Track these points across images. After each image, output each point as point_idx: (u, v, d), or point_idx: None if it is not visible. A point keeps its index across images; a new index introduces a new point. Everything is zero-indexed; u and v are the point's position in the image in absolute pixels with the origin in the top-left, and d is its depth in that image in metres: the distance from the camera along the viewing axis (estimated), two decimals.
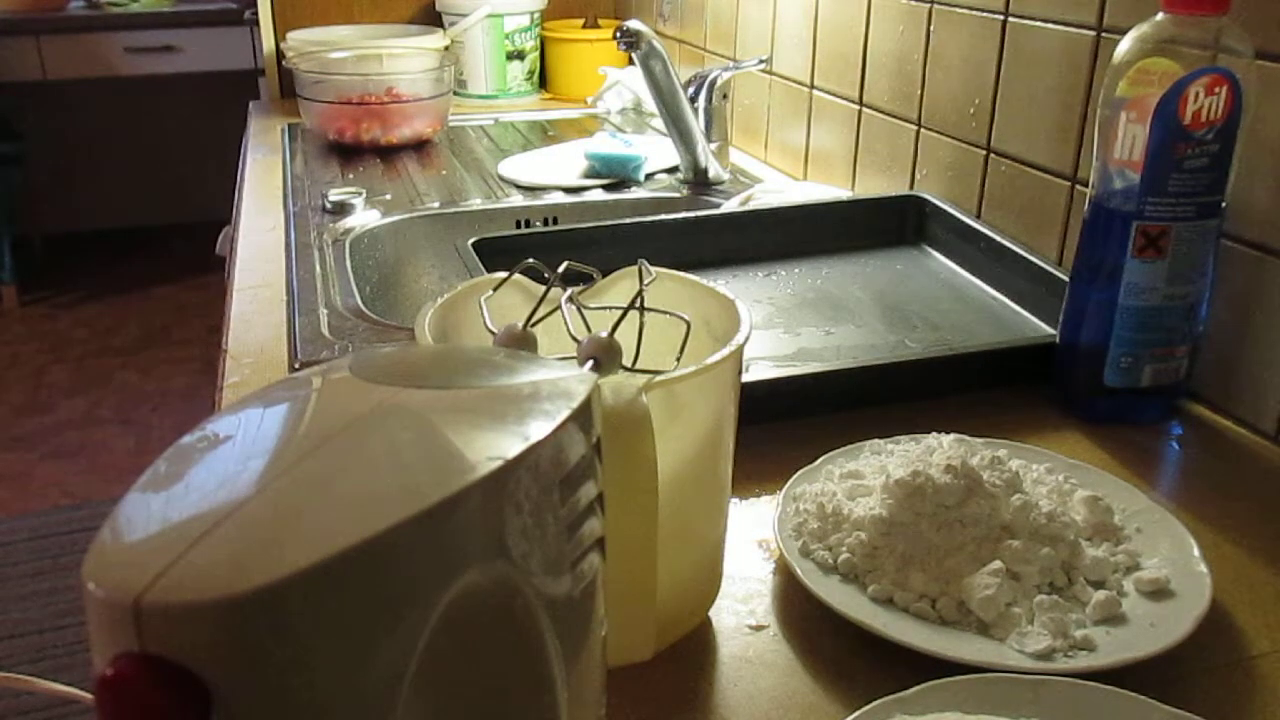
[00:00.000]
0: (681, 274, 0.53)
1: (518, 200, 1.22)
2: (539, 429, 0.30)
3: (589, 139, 1.40)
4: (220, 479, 0.26)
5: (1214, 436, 0.71)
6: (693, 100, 1.23)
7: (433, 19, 1.82)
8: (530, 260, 0.50)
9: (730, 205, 1.12)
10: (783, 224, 1.04)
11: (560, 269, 0.48)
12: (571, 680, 0.34)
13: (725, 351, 0.45)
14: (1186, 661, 0.49)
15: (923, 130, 1.06)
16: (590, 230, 0.98)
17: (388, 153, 1.44)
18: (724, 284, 0.52)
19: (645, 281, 0.47)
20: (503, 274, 0.50)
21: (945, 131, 1.02)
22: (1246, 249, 0.70)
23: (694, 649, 0.51)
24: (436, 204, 1.20)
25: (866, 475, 0.59)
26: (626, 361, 0.42)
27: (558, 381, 0.34)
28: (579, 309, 0.48)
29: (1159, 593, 0.52)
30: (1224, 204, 0.66)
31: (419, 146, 1.48)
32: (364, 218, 1.14)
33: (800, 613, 0.53)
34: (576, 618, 0.34)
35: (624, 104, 1.66)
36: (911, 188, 1.08)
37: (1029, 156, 0.91)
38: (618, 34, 1.12)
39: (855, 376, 0.73)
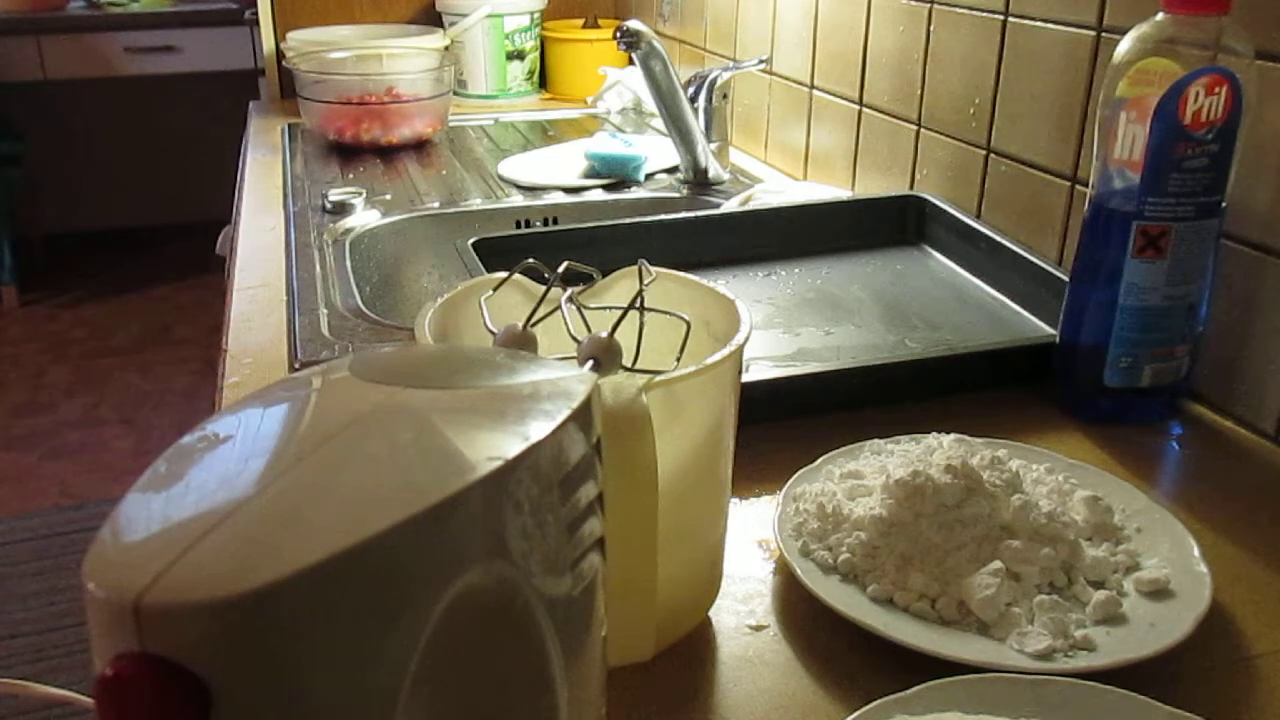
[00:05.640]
0: (681, 274, 0.53)
1: (518, 200, 1.22)
2: (539, 429, 0.30)
3: (589, 139, 1.40)
4: (220, 479, 0.26)
5: (1214, 436, 0.71)
6: (693, 100, 1.23)
7: (433, 19, 1.82)
8: (530, 260, 0.50)
9: (730, 205, 1.12)
10: (783, 224, 1.04)
11: (560, 269, 0.48)
12: (571, 680, 0.34)
13: (725, 351, 0.45)
14: (1186, 661, 0.49)
15: (923, 130, 1.06)
16: (590, 230, 0.98)
17: (388, 153, 1.44)
18: (724, 284, 0.52)
19: (645, 281, 0.47)
20: (503, 274, 0.50)
21: (945, 131, 1.02)
22: (1246, 249, 0.70)
23: (694, 649, 0.51)
24: (436, 204, 1.20)
25: (866, 475, 0.59)
26: (626, 361, 0.42)
27: (558, 381, 0.34)
28: (579, 309, 0.48)
29: (1159, 593, 0.52)
30: (1224, 204, 0.66)
31: (419, 146, 1.48)
32: (364, 218, 1.14)
33: (800, 613, 0.53)
34: (576, 618, 0.34)
35: (624, 104, 1.66)
36: (911, 188, 1.08)
37: (1029, 156, 0.91)
38: (618, 34, 1.12)
39: (855, 376, 0.73)
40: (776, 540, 0.55)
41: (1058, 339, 0.74)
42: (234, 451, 0.28)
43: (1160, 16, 0.64)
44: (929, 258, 1.01)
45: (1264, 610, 0.53)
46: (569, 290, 0.48)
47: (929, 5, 1.02)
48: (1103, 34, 0.81)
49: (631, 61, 1.35)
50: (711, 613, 0.53)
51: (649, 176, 1.28)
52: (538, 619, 0.31)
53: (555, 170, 1.30)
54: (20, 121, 3.43)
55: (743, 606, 0.54)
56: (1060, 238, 0.88)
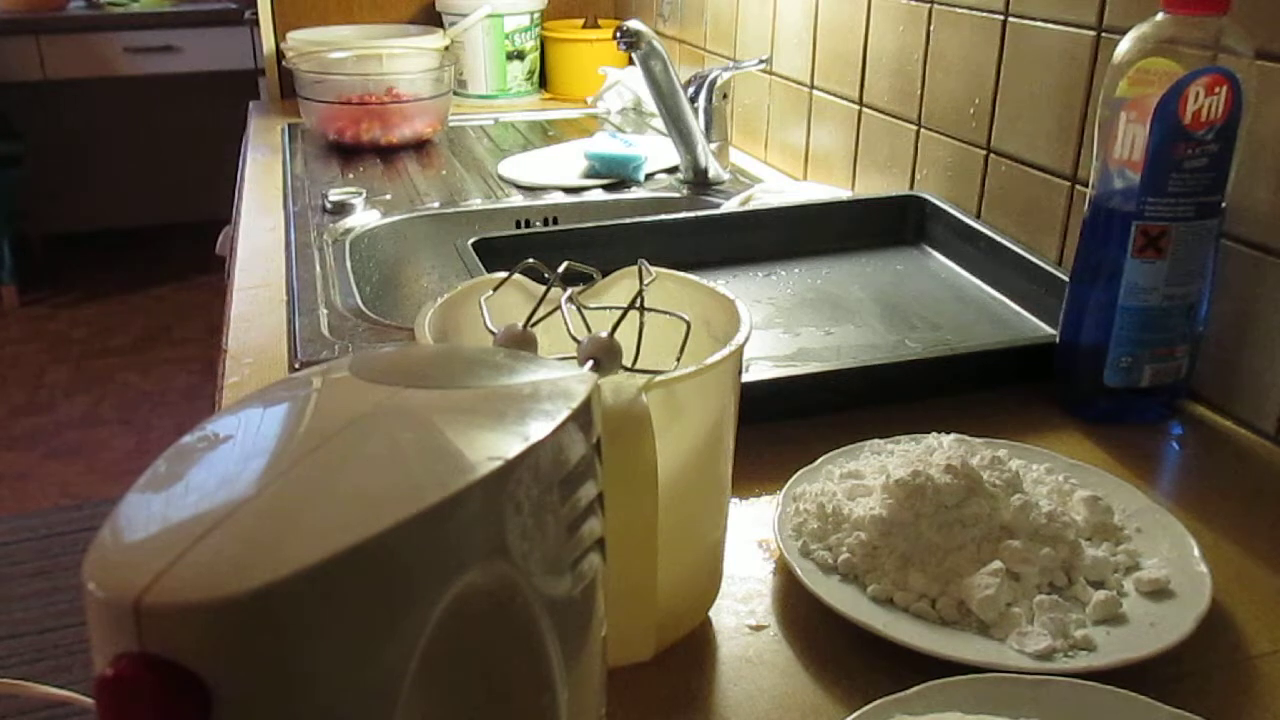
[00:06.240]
0: (681, 274, 0.53)
1: (518, 200, 1.22)
2: (539, 429, 0.30)
3: (589, 139, 1.40)
4: (220, 479, 0.26)
5: (1214, 436, 0.71)
6: (693, 100, 1.23)
7: (433, 19, 1.82)
8: (530, 260, 0.50)
9: (730, 205, 1.12)
10: (783, 224, 1.04)
11: (560, 269, 0.48)
12: (571, 680, 0.34)
13: (725, 351, 0.45)
14: (1186, 661, 0.49)
15: (923, 130, 1.06)
16: (590, 230, 0.98)
17: (388, 153, 1.44)
18: (724, 284, 0.52)
19: (645, 281, 0.47)
20: (503, 274, 0.50)
21: (945, 131, 1.02)
22: (1246, 249, 0.70)
23: (694, 649, 0.51)
24: (436, 204, 1.20)
25: (866, 475, 0.59)
26: (626, 361, 0.42)
27: (558, 381, 0.34)
28: (579, 309, 0.48)
29: (1159, 593, 0.52)
30: (1224, 204, 0.66)
31: (419, 146, 1.48)
32: (364, 218, 1.14)
33: (800, 613, 0.53)
34: (576, 618, 0.34)
35: (624, 104, 1.66)
36: (911, 188, 1.08)
37: (1029, 156, 0.91)
38: (618, 34, 1.12)
39: (855, 376, 0.73)
40: (776, 540, 0.55)
41: (1058, 339, 0.74)
42: (234, 451, 0.28)
43: (1160, 16, 0.64)
44: (929, 258, 1.01)
45: (1264, 610, 0.53)
46: (569, 290, 0.48)
47: (929, 5, 1.02)
48: (1103, 34, 0.81)
49: (631, 61, 1.35)
50: (711, 613, 0.53)
51: (649, 176, 1.28)
52: (538, 619, 0.31)
53: (555, 170, 1.30)
54: (20, 121, 3.43)
55: (743, 606, 0.54)
56: (1060, 238, 0.88)
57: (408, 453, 0.28)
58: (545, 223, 1.20)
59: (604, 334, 0.42)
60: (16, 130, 3.39)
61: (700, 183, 1.25)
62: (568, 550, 0.33)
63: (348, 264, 1.01)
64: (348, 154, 1.43)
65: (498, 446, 0.29)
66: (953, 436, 0.61)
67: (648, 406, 0.40)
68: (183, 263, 3.69)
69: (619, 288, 0.53)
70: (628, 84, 1.64)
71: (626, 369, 0.42)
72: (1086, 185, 0.71)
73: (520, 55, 1.79)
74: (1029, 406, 0.73)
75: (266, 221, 1.15)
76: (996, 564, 0.51)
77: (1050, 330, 0.83)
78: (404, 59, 1.56)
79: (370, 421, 0.29)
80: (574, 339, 0.43)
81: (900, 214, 1.04)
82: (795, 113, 1.30)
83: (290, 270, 0.99)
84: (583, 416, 0.33)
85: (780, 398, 0.70)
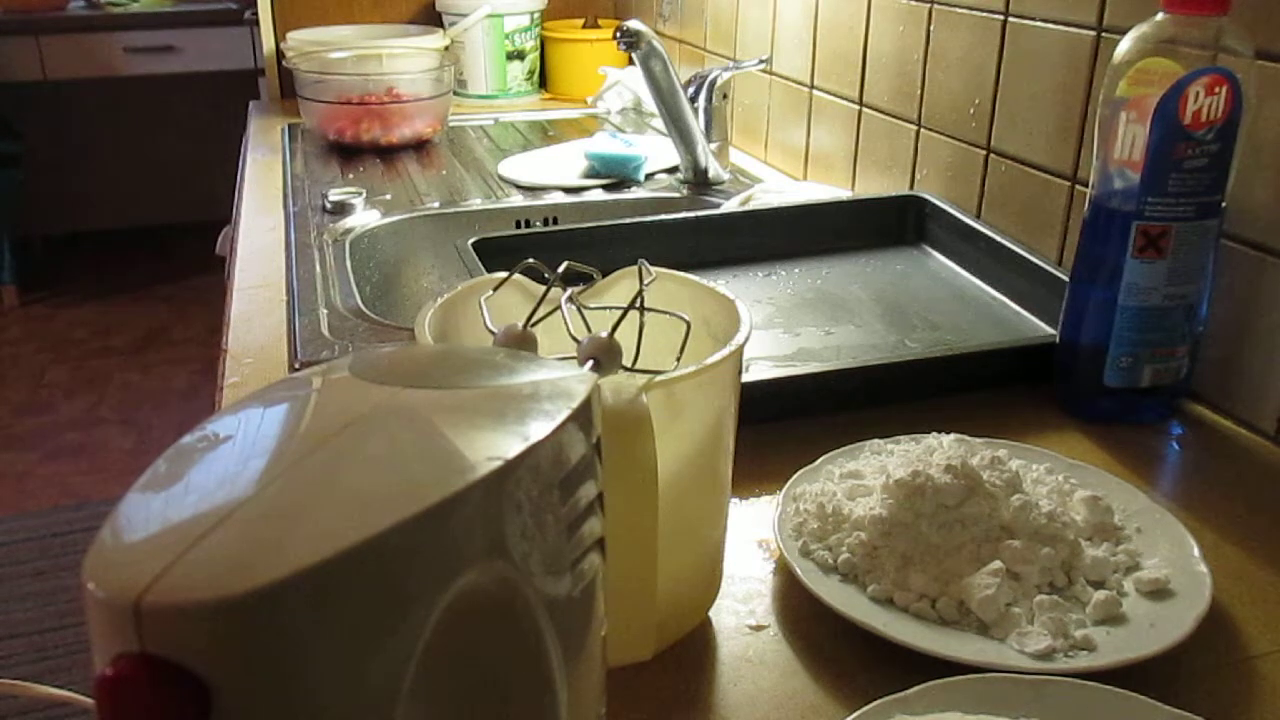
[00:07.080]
0: (681, 274, 0.53)
1: (518, 200, 1.22)
2: (539, 429, 0.30)
3: (589, 139, 1.40)
4: (220, 479, 0.26)
5: (1214, 436, 0.71)
6: (693, 100, 1.23)
7: (433, 19, 1.82)
8: (530, 260, 0.50)
9: (730, 205, 1.12)
10: (783, 224, 1.04)
11: (560, 269, 0.48)
12: (571, 680, 0.34)
13: (725, 351, 0.45)
14: (1186, 661, 0.49)
15: (923, 130, 1.06)
16: (590, 230, 0.98)
17: (388, 153, 1.44)
18: (724, 284, 0.52)
19: (645, 281, 0.47)
20: (503, 274, 0.50)
21: (945, 131, 1.02)
22: (1246, 249, 0.70)
23: (694, 649, 0.51)
24: (436, 204, 1.20)
25: (866, 475, 0.59)
26: (626, 361, 0.42)
27: (558, 381, 0.34)
28: (579, 309, 0.48)
29: (1159, 593, 0.52)
30: (1224, 204, 0.66)
31: (419, 146, 1.48)
32: (364, 218, 1.14)
33: (800, 613, 0.53)
34: (576, 618, 0.34)
35: (624, 104, 1.66)
36: (911, 188, 1.08)
37: (1029, 156, 0.91)
38: (618, 34, 1.12)
39: (855, 376, 0.73)
40: (776, 540, 0.55)
41: (1058, 339, 0.74)
42: (234, 451, 0.28)
43: (1160, 16, 0.64)
44: (929, 258, 1.01)
45: (1264, 610, 0.53)
46: (569, 290, 0.48)
47: (929, 5, 1.02)
48: (1103, 34, 0.81)
49: (631, 61, 1.35)
50: (711, 613, 0.53)
51: (649, 176, 1.28)
52: (538, 619, 0.31)
53: (555, 170, 1.30)
54: (20, 121, 3.43)
55: (743, 606, 0.54)
56: (1060, 238, 0.88)
57: (408, 453, 0.28)
58: (545, 223, 1.20)
59: (604, 334, 0.42)
60: (16, 130, 3.39)
61: (700, 183, 1.25)
62: (568, 550, 0.33)
63: (348, 264, 1.01)
64: (348, 154, 1.43)
65: (498, 446, 0.29)
66: (953, 436, 0.61)
67: (648, 406, 0.40)
68: (183, 263, 3.69)
69: (619, 288, 0.53)
70: (628, 84, 1.64)
71: (626, 369, 0.42)
72: (1086, 185, 0.71)
73: (520, 55, 1.79)
74: (1029, 406, 0.73)
75: (266, 221, 1.15)
76: (996, 564, 0.51)
77: (1050, 330, 0.83)
78: (404, 59, 1.56)
79: (370, 422, 0.29)
80: (574, 339, 0.43)
81: (900, 214, 1.04)
82: (795, 113, 1.30)
83: (290, 270, 0.99)
84: (583, 416, 0.33)
85: (780, 398, 0.70)
